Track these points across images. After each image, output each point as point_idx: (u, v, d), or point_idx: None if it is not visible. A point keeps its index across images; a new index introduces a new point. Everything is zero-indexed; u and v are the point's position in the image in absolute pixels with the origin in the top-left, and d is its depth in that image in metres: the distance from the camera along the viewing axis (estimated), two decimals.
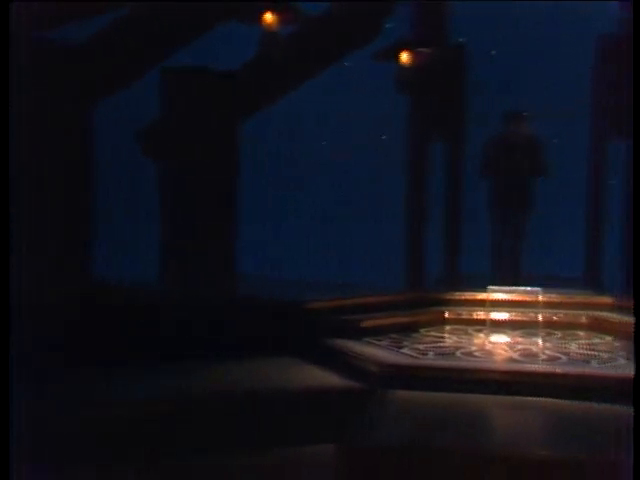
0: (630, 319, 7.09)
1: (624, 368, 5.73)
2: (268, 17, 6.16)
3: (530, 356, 6.10)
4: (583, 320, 7.30)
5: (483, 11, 10.86)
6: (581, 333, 7.14)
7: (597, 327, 7.19)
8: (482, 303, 7.49)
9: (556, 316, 7.22)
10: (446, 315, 7.69)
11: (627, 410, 5.11)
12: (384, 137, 12.83)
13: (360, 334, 6.97)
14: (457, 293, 7.98)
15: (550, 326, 7.04)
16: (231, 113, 7.73)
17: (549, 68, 11.61)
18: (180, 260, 7.85)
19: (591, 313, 7.38)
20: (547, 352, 6.23)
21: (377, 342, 6.75)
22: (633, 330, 6.78)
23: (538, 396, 5.37)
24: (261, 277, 8.93)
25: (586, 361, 5.93)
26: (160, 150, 7.66)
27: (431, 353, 6.29)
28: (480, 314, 7.45)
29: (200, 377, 6.19)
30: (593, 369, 5.74)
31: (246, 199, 8.46)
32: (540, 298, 6.90)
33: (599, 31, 8.93)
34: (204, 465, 5.19)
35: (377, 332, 7.07)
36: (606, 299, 7.59)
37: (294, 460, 5.44)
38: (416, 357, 6.16)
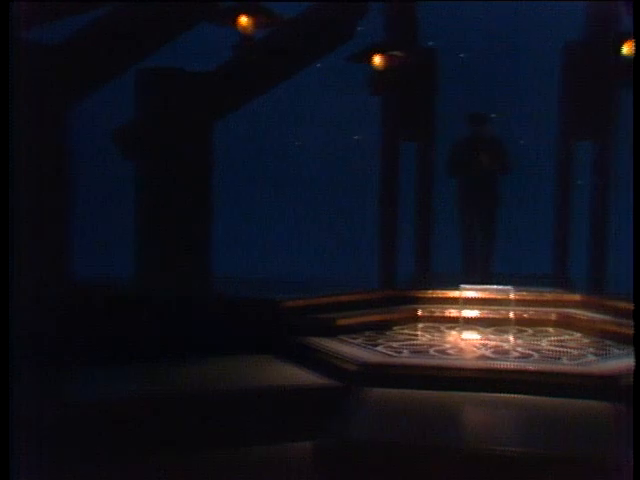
0: (596, 315, 7.15)
1: (594, 364, 5.74)
2: (243, 20, 6.03)
3: (502, 353, 6.10)
4: (553, 317, 7.33)
5: (453, 15, 10.89)
6: (551, 330, 7.16)
7: (566, 324, 7.21)
8: (454, 301, 7.51)
9: (527, 313, 7.23)
10: (419, 313, 7.68)
11: (598, 404, 5.17)
12: (357, 137, 12.79)
13: (335, 332, 6.93)
14: (429, 291, 7.97)
15: (521, 323, 7.06)
16: (204, 113, 7.65)
17: (517, 71, 11.62)
18: (155, 259, 7.71)
19: (560, 310, 7.41)
20: (519, 349, 6.23)
21: (352, 340, 6.72)
22: (600, 327, 6.87)
23: (511, 393, 5.38)
24: (236, 276, 8.81)
25: (557, 358, 5.93)
26: (135, 149, 7.59)
27: (406, 351, 6.26)
28: (452, 312, 7.44)
29: (175, 376, 6.09)
30: (564, 366, 5.72)
31: (220, 198, 8.34)
32: (511, 296, 6.88)
33: (566, 37, 8.88)
34: (179, 464, 5.09)
35: (351, 330, 7.04)
36: (575, 296, 7.63)
37: (270, 458, 5.36)
38: (391, 355, 6.11)
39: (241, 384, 5.89)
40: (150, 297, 7.12)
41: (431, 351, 6.22)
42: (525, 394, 5.35)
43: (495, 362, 5.79)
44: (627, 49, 7.02)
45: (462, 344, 6.46)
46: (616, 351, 6.19)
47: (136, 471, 4.87)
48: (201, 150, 7.68)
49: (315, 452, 4.81)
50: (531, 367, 5.62)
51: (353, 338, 6.80)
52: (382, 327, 7.25)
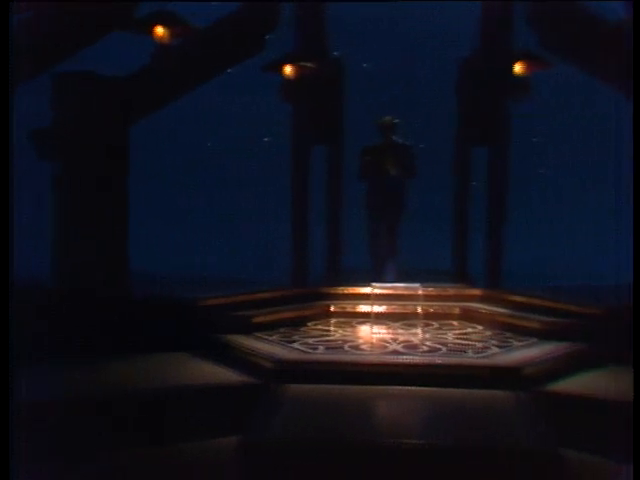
0: (496, 309, 7.20)
1: (497, 356, 5.76)
2: (158, 30, 5.78)
3: (412, 348, 6.05)
4: (456, 311, 7.35)
5: (359, 27, 10.91)
6: (455, 323, 7.18)
7: (469, 317, 7.26)
8: (365, 297, 7.44)
9: (432, 308, 7.21)
10: (332, 309, 7.55)
11: (502, 394, 5.18)
12: (266, 139, 12.65)
13: (251, 329, 6.74)
14: (341, 288, 7.86)
15: (428, 317, 7.03)
16: (120, 116, 7.31)
17: (418, 79, 11.72)
18: (74, 259, 7.33)
19: (463, 304, 7.44)
20: (427, 343, 6.20)
21: (268, 337, 6.53)
22: (500, 320, 6.91)
23: (422, 386, 5.34)
24: (152, 274, 8.47)
25: (463, 351, 5.91)
26: (52, 150, 7.18)
27: (321, 347, 6.12)
28: (363, 307, 7.36)
29: (94, 376, 5.78)
30: (470, 358, 5.70)
31: (138, 198, 7.97)
32: (418, 292, 6.84)
33: (461, 51, 8.85)
34: (101, 464, 4.83)
35: (267, 327, 6.86)
36: (476, 291, 7.68)
37: (193, 455, 5.15)
38: (307, 352, 5.95)
39: (161, 383, 5.64)
40: (68, 297, 6.77)
41: (345, 347, 6.11)
42: (435, 386, 5.32)
43: (406, 357, 5.74)
44: (519, 68, 7.07)
45: (374, 339, 6.36)
46: (516, 343, 6.23)
47: (55, 473, 4.55)
48: (116, 151, 7.34)
49: (235, 449, 4.60)
50: (440, 361, 5.59)
51: (269, 335, 6.63)
52: (296, 323, 7.10)
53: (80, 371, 5.85)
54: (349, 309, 7.52)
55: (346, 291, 7.80)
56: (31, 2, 5.55)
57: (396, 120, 7.85)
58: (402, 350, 5.95)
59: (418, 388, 5.32)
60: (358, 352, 5.92)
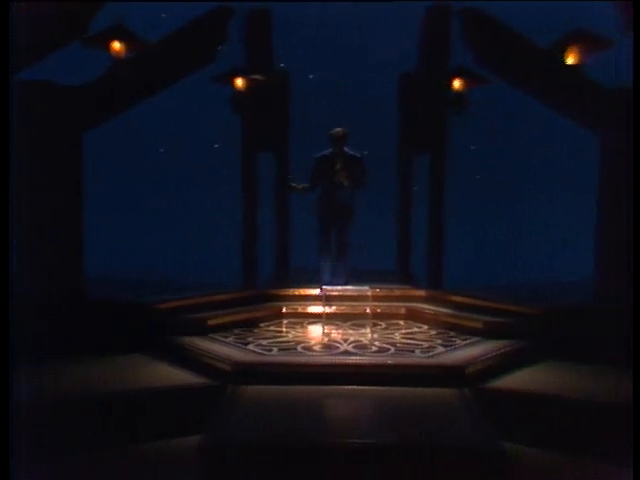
0: (439, 309, 7.18)
1: (443, 355, 5.74)
2: (115, 45, 5.68)
3: (362, 348, 5.97)
4: (402, 311, 7.30)
5: (304, 39, 10.84)
6: (402, 323, 7.13)
7: (414, 317, 7.22)
8: (315, 298, 7.34)
9: (380, 308, 7.14)
10: (284, 310, 7.43)
11: (449, 392, 5.14)
12: (216, 145, 12.46)
13: (206, 331, 6.58)
14: (292, 290, 7.74)
15: (376, 317, 6.96)
16: (77, 123, 7.23)
17: (362, 90, 11.68)
18: (28, 261, 7.11)
19: (408, 305, 7.40)
20: (376, 343, 6.12)
21: (223, 339, 6.37)
22: (443, 319, 6.89)
23: (373, 385, 5.29)
24: (108, 278, 8.22)
25: (411, 351, 5.85)
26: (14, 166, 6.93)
27: (275, 348, 5.99)
28: (314, 308, 7.25)
29: (52, 378, 5.52)
30: (418, 358, 5.66)
31: (93, 202, 7.91)
32: (366, 293, 6.76)
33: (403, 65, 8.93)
34: (63, 466, 4.67)
35: (222, 328, 6.70)
36: (420, 292, 7.66)
37: (152, 456, 4.97)
38: (262, 353, 5.81)
39: (119, 385, 5.45)
40: (24, 299, 6.45)
41: (298, 348, 5.99)
42: (385, 386, 5.27)
43: (357, 357, 5.66)
44: (457, 83, 7.08)
45: (325, 340, 6.26)
46: (459, 342, 6.22)
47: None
48: (73, 157, 7.27)
49: (194, 450, 4.43)
50: (390, 361, 5.52)
51: (224, 336, 6.47)
52: (250, 325, 6.95)
53: (35, 374, 5.57)
54: (300, 310, 7.41)
55: (297, 293, 7.68)
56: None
57: (346, 131, 7.65)
58: (353, 350, 5.87)
59: (369, 387, 5.26)
60: (311, 353, 5.81)
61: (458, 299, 7.17)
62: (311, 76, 12.05)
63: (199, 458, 4.27)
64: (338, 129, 7.45)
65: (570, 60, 6.12)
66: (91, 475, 4.67)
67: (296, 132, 9.03)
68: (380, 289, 7.39)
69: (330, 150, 7.45)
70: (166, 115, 11.45)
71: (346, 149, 7.43)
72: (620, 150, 7.13)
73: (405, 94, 8.69)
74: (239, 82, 7.11)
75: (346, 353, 5.78)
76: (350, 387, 5.26)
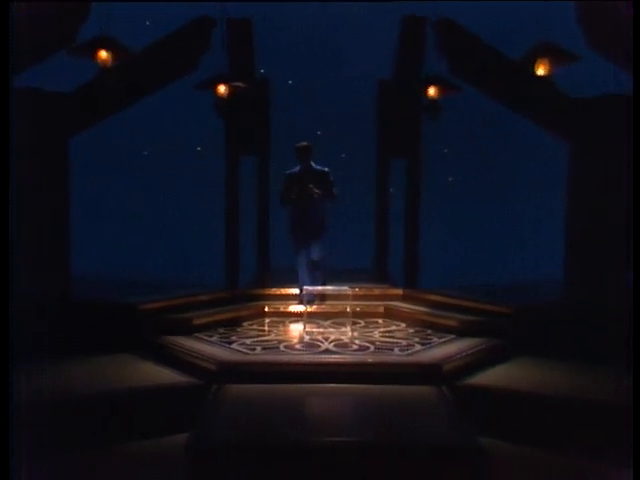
0: (415, 307, 7.16)
1: (421, 353, 5.72)
2: (101, 54, 5.70)
3: (343, 346, 5.92)
4: (381, 310, 7.27)
5: (284, 46, 10.78)
6: (380, 321, 7.10)
7: (392, 315, 7.19)
8: (296, 297, 7.28)
9: (359, 307, 7.09)
10: (266, 309, 7.36)
11: (427, 389, 5.12)
12: (199, 148, 12.35)
13: (191, 330, 6.49)
14: (274, 289, 7.68)
15: (355, 316, 6.83)
16: (61, 127, 7.07)
17: (341, 95, 11.62)
18: (18, 262, 6.91)
19: (386, 303, 7.37)
20: (357, 341, 6.08)
21: (208, 338, 6.30)
22: (420, 317, 6.87)
23: (354, 383, 5.25)
24: (94, 278, 8.07)
25: (390, 349, 5.81)
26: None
27: (258, 347, 5.92)
28: (295, 307, 7.20)
29: (42, 378, 5.28)
30: (397, 356, 5.63)
31: (79, 205, 7.78)
32: (347, 292, 6.66)
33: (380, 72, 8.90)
34: (53, 466, 4.52)
35: (206, 328, 6.62)
36: (398, 291, 7.63)
37: (133, 456, 4.87)
38: (246, 352, 5.74)
39: (105, 385, 5.36)
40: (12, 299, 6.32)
41: (281, 347, 5.93)
42: (366, 384, 5.23)
43: (338, 356, 5.62)
44: (432, 91, 7.04)
45: (307, 338, 6.19)
46: (436, 339, 6.20)
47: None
48: (58, 161, 7.12)
49: (180, 449, 4.35)
50: (370, 359, 5.48)
51: (209, 336, 6.38)
52: (234, 324, 6.88)
53: (24, 375, 5.44)
54: (282, 309, 7.34)
55: (278, 292, 7.63)
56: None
57: (311, 145, 7.29)
58: (334, 349, 5.82)
59: (350, 385, 5.21)
60: (293, 352, 5.76)
61: (434, 298, 7.16)
62: (290, 82, 11.98)
63: (185, 457, 4.18)
64: (303, 143, 7.20)
65: (539, 71, 6.13)
66: (77, 475, 4.58)
67: (276, 135, 8.96)
68: (359, 288, 7.35)
69: (298, 167, 7.20)
70: (151, 119, 11.29)
71: (312, 164, 7.18)
72: (587, 155, 7.17)
73: (382, 100, 8.72)
74: (222, 89, 7.01)
75: (327, 352, 5.74)
76: (332, 385, 5.23)
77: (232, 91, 7.03)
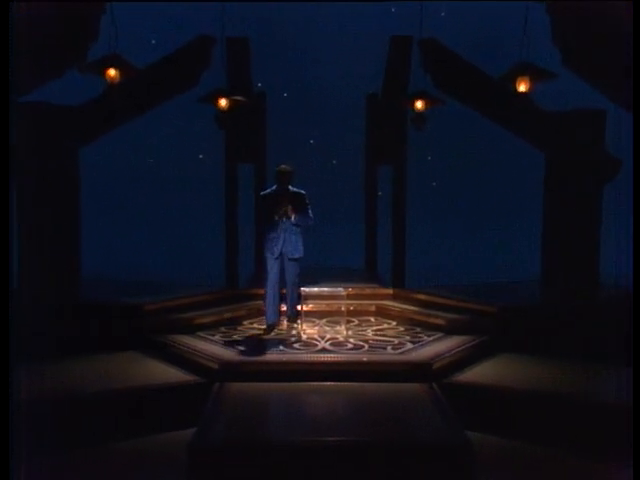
0: (405, 306, 6.96)
1: (412, 352, 5.54)
2: (110, 72, 5.47)
3: (339, 345, 5.73)
4: (373, 309, 7.07)
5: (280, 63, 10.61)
6: (372, 319, 6.90)
7: (383, 314, 6.99)
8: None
9: (352, 306, 6.85)
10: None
11: (419, 386, 4.94)
12: (200, 156, 12.14)
13: (194, 329, 6.29)
14: None
15: (349, 314, 6.56)
16: (72, 139, 7.04)
17: (332, 107, 11.44)
18: (27, 265, 6.74)
19: (378, 302, 7.18)
20: (351, 340, 5.89)
21: (210, 337, 6.08)
22: (409, 316, 6.67)
23: (349, 381, 5.08)
24: (102, 279, 7.83)
25: (383, 347, 5.62)
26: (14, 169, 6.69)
27: (259, 346, 5.72)
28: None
29: (48, 375, 5.18)
30: (390, 355, 5.45)
31: (89, 209, 7.71)
32: (341, 293, 6.43)
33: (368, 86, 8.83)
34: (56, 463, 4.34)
35: (208, 327, 6.41)
36: (387, 290, 7.42)
37: (135, 453, 4.65)
38: (247, 352, 5.54)
39: (111, 383, 5.14)
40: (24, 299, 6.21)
41: (280, 346, 5.71)
42: (361, 382, 5.06)
43: (334, 355, 5.43)
44: (418, 104, 6.85)
45: (304, 337, 5.97)
46: (425, 337, 6.02)
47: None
48: (69, 169, 7.11)
49: (182, 447, 4.14)
50: (365, 358, 5.29)
51: (211, 335, 6.17)
52: (234, 322, 6.67)
53: (32, 373, 5.18)
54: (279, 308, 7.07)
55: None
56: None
57: (293, 169, 6.52)
58: (330, 348, 5.63)
59: (345, 383, 5.04)
60: (292, 351, 5.56)
61: (422, 297, 6.98)
62: (285, 95, 11.78)
63: (186, 456, 3.98)
64: (284, 166, 6.49)
65: (520, 88, 5.98)
66: (77, 473, 4.36)
67: (272, 144, 8.89)
68: (352, 288, 7.13)
69: (274, 187, 6.53)
70: (156, 130, 11.08)
71: (290, 187, 6.45)
72: (562, 164, 7.06)
73: (371, 112, 8.64)
74: (222, 102, 6.84)
75: (324, 350, 5.55)
76: (328, 383, 5.05)
77: (231, 104, 6.88)
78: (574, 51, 6.65)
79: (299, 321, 6.36)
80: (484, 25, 9.21)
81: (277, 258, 6.39)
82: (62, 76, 6.27)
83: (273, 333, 6.25)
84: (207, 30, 7.13)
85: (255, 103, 8.11)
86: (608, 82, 6.52)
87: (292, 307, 6.58)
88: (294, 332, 6.25)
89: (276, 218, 6.28)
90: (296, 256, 6.40)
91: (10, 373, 4.67)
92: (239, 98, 6.95)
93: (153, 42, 9.66)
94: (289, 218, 6.30)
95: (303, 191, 6.52)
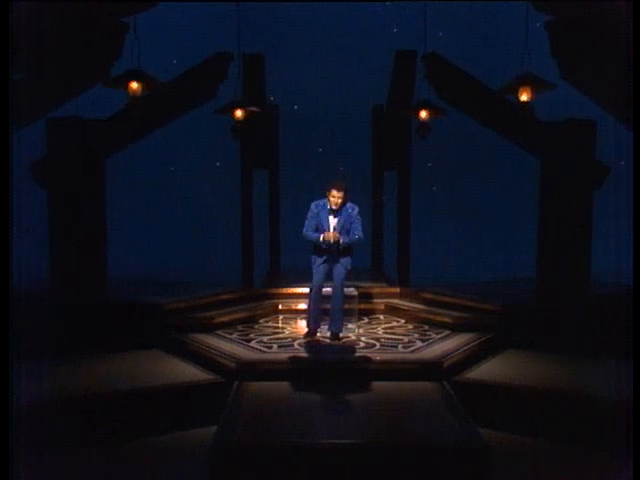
0: (412, 304, 6.55)
1: (423, 350, 5.16)
2: (132, 85, 5.13)
3: (351, 344, 5.30)
4: (382, 307, 6.66)
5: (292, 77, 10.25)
6: (381, 317, 6.50)
7: (391, 312, 6.58)
8: (307, 296, 6.60)
9: (362, 304, 6.41)
10: (280, 307, 6.73)
11: (431, 384, 4.55)
12: (218, 164, 11.79)
13: (213, 328, 5.92)
14: (287, 288, 7.05)
15: (359, 312, 6.17)
16: (99, 150, 6.82)
17: (340, 118, 11.08)
18: (59, 267, 6.71)
19: (386, 301, 6.77)
20: (363, 339, 5.49)
21: (228, 335, 5.69)
22: (416, 314, 6.26)
23: (362, 380, 4.71)
24: (125, 278, 7.47)
25: (394, 346, 5.22)
26: (46, 178, 6.80)
27: (275, 345, 5.35)
28: (306, 305, 6.52)
29: (74, 372, 4.97)
30: (402, 354, 5.05)
31: (115, 214, 7.48)
32: (353, 293, 6.04)
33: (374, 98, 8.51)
34: (83, 460, 4.06)
35: (226, 325, 6.03)
36: (395, 289, 7.01)
37: (168, 447, 4.35)
38: (263, 351, 5.15)
39: (137, 381, 4.81)
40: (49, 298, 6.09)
41: (295, 344, 5.33)
42: (374, 380, 4.69)
43: (347, 354, 5.00)
44: (422, 114, 6.47)
45: (318, 336, 5.57)
46: (434, 335, 5.62)
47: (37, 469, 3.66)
48: (96, 177, 6.89)
49: (200, 447, 3.79)
50: (378, 357, 4.90)
51: (229, 333, 5.79)
52: (251, 321, 6.29)
53: (59, 371, 4.94)
54: (294, 307, 6.70)
55: (291, 291, 6.97)
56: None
57: (345, 185, 5.32)
58: (342, 345, 5.21)
59: (359, 382, 4.66)
60: (307, 349, 5.16)
61: (428, 296, 6.58)
62: (296, 107, 11.42)
63: (207, 457, 3.65)
64: (339, 184, 5.30)
65: (521, 97, 5.60)
66: (88, 470, 4.02)
67: (285, 151, 8.70)
68: (361, 287, 6.70)
69: (324, 200, 5.36)
70: (177, 140, 10.75)
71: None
72: (557, 169, 6.68)
73: (377, 121, 8.42)
74: (238, 113, 6.53)
75: (338, 349, 5.14)
76: (342, 382, 4.66)
77: (247, 115, 6.57)
78: (573, 65, 6.40)
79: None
80: (483, 43, 8.84)
81: (322, 264, 5.45)
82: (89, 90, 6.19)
83: (288, 331, 5.86)
84: (224, 47, 6.86)
85: (268, 114, 7.88)
86: (605, 94, 6.21)
87: (336, 320, 5.45)
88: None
89: (324, 246, 5.34)
90: (346, 267, 5.41)
91: (29, 372, 4.32)
92: (254, 109, 6.68)
93: (174, 62, 9.32)
94: (337, 243, 5.27)
95: (357, 208, 5.38)
